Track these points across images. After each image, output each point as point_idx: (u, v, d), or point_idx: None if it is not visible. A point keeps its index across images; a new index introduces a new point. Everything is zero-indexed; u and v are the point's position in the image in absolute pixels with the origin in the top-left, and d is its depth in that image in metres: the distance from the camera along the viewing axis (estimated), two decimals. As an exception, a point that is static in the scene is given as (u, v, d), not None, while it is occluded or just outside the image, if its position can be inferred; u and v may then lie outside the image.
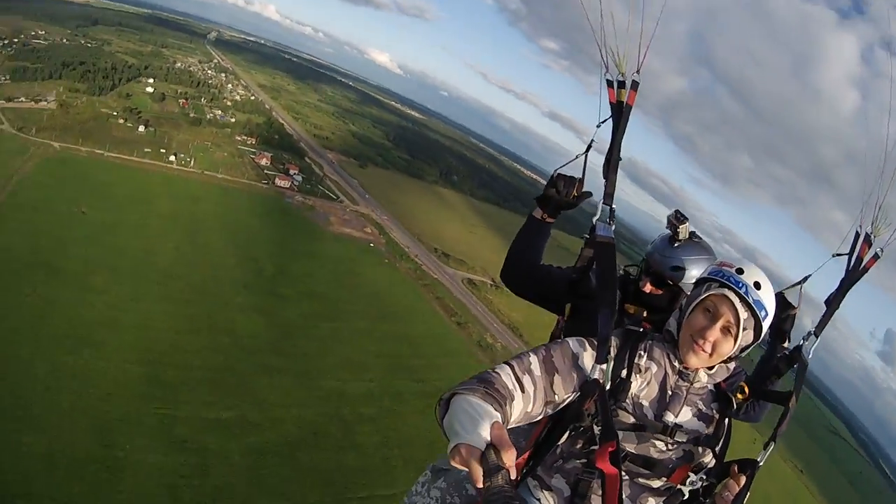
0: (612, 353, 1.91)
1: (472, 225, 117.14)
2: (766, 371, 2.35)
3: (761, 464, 1.97)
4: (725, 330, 1.89)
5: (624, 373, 1.94)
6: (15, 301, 47.19)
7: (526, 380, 1.73)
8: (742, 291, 1.86)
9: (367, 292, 72.17)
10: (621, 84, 2.12)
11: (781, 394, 2.24)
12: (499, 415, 1.42)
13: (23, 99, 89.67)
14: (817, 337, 2.29)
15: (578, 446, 1.97)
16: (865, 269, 2.39)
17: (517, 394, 1.67)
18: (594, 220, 2.20)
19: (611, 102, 2.16)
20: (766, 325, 1.94)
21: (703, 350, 1.91)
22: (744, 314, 1.88)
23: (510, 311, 77.46)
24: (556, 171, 2.55)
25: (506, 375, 1.69)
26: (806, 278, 2.47)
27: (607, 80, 2.14)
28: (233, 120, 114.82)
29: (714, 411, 2.03)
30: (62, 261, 54.90)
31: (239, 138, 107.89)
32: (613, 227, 2.21)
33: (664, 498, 1.99)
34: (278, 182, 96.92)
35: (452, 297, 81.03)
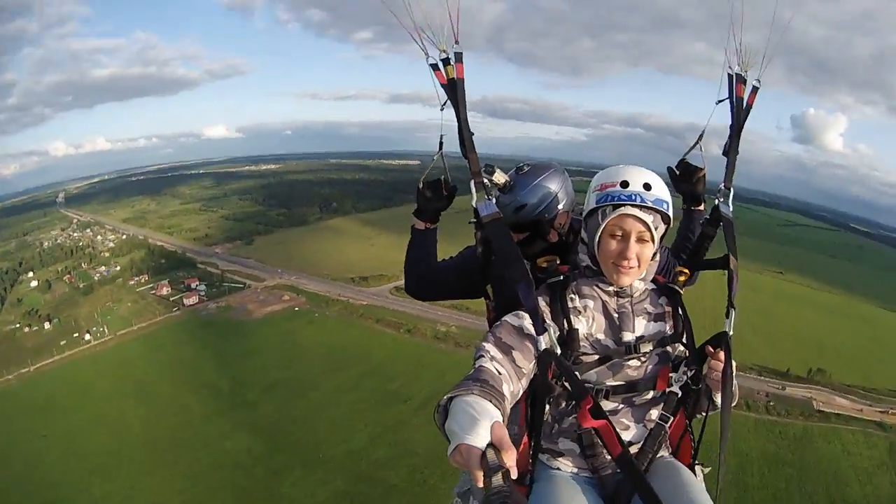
0: (548, 317, 1.91)
1: (369, 238, 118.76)
2: (699, 241, 2.38)
3: (731, 332, 2.04)
4: (640, 240, 1.90)
5: (565, 324, 1.93)
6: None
7: (496, 364, 1.72)
8: (637, 202, 1.87)
9: (316, 353, 72.63)
10: (446, 62, 2.05)
11: (718, 259, 2.24)
12: (498, 412, 1.39)
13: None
14: (730, 189, 2.34)
15: (564, 406, 2.01)
16: (749, 106, 2.43)
17: (502, 379, 1.66)
18: (473, 202, 2.08)
19: (442, 84, 2.08)
20: (670, 211, 1.94)
21: (630, 268, 1.92)
22: (649, 217, 1.88)
23: None
24: (420, 181, 2.52)
25: (488, 364, 1.70)
26: (700, 136, 2.50)
27: (431, 66, 2.06)
28: (118, 268, 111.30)
29: (664, 307, 2.07)
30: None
31: (132, 282, 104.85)
32: (495, 199, 2.17)
33: (662, 404, 2.02)
34: (187, 301, 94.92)
35: (390, 311, 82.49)
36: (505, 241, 1.98)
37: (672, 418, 2.03)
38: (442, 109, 2.13)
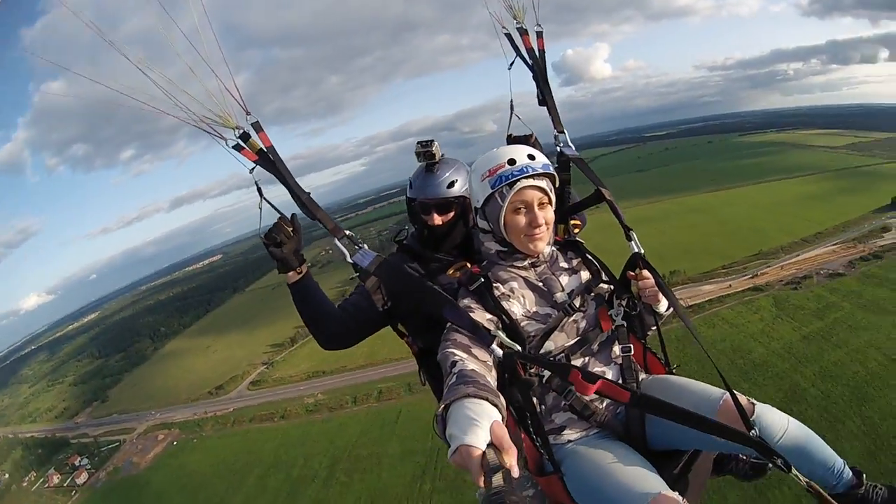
0: (492, 327, 1.91)
1: (207, 347, 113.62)
2: (559, 190, 2.34)
3: (641, 251, 2.15)
4: (541, 205, 2.02)
5: (504, 317, 1.97)
6: None
7: (470, 363, 1.72)
8: (530, 172, 1.97)
9: (213, 475, 65.76)
10: (245, 137, 2.07)
11: (591, 197, 2.38)
12: (496, 411, 1.38)
13: None
14: (563, 132, 2.49)
15: (541, 387, 2.03)
16: (542, 51, 2.56)
17: (485, 375, 1.65)
18: (348, 259, 2.11)
19: (255, 161, 2.08)
20: (553, 171, 2.07)
21: (541, 234, 2.03)
22: (543, 182, 2.01)
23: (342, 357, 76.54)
24: (260, 235, 2.29)
25: (465, 365, 1.67)
26: (512, 107, 2.67)
27: (235, 147, 2.06)
28: (6, 476, 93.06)
29: (573, 259, 2.22)
30: None
31: (25, 483, 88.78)
32: (365, 246, 2.16)
33: (616, 340, 2.14)
34: (79, 481, 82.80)
35: (256, 406, 78.78)
36: (404, 277, 2.03)
37: (631, 346, 2.15)
38: (251, 172, 2.10)
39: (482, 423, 1.26)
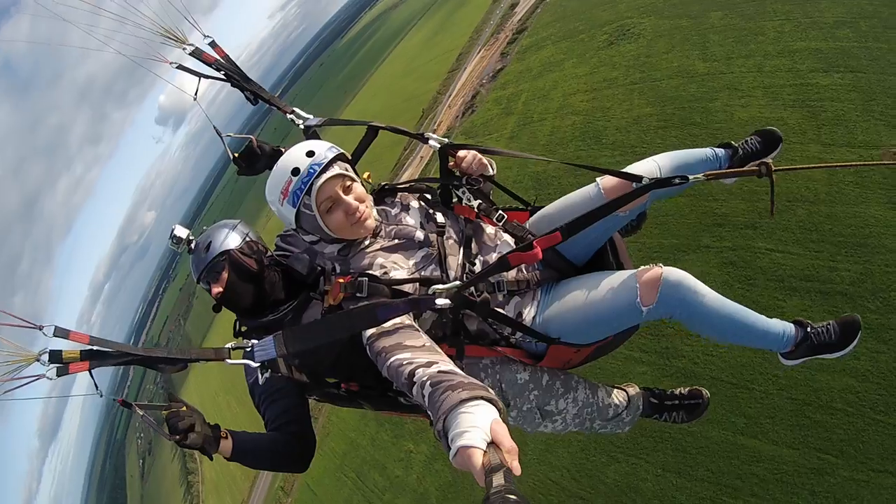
0: (417, 290, 1.92)
1: None
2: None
3: (445, 140, 2.16)
4: (347, 189, 1.91)
5: (396, 287, 1.90)
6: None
7: (431, 364, 1.53)
8: (318, 170, 1.85)
9: None
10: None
11: (367, 136, 2.33)
12: (493, 408, 1.30)
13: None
14: (293, 109, 2.47)
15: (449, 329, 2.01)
16: (227, 56, 2.48)
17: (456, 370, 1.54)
18: (254, 365, 1.70)
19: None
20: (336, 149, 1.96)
21: (362, 213, 1.93)
22: (335, 168, 1.88)
23: None
24: (171, 438, 1.83)
25: (429, 365, 1.51)
26: (219, 132, 2.49)
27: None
28: None
29: (394, 200, 2.21)
30: None
31: None
32: (252, 340, 1.76)
33: (486, 216, 2.20)
34: None
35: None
36: (311, 332, 1.74)
37: (503, 214, 2.20)
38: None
39: (481, 423, 1.22)
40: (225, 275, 2.20)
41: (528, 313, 2.11)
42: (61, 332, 1.63)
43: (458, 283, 1.89)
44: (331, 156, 1.90)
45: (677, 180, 1.97)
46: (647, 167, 2.14)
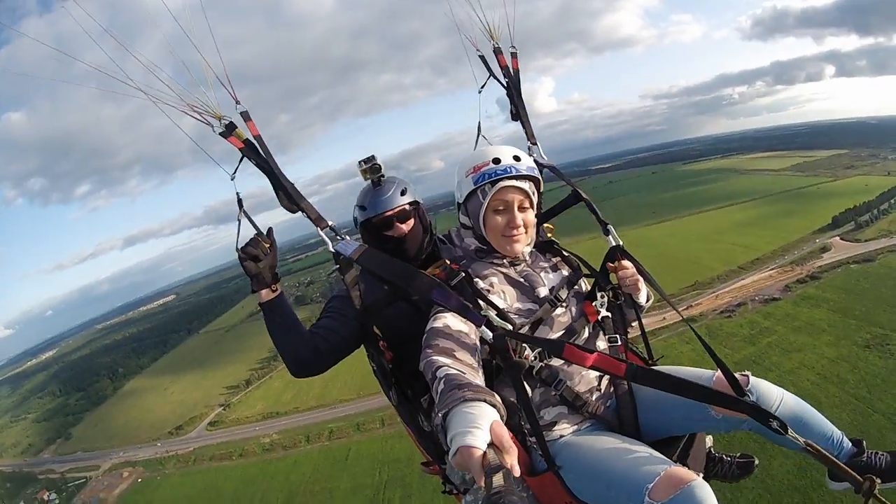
0: (482, 305, 1.92)
1: (165, 388, 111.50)
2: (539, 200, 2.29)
3: (620, 242, 2.21)
4: (522, 208, 2.02)
5: (490, 307, 1.95)
6: None
7: (458, 367, 1.65)
8: (513, 173, 1.97)
9: None
10: (231, 127, 2.09)
11: (568, 198, 2.48)
12: (495, 411, 1.34)
13: None
14: (536, 143, 2.60)
15: (534, 379, 1.99)
16: (517, 70, 2.68)
17: (475, 376, 1.63)
18: (330, 248, 2.11)
19: (241, 150, 2.10)
20: (540, 176, 2.11)
21: (519, 235, 2.02)
22: (526, 185, 2.00)
23: (303, 397, 78.62)
24: (237, 250, 2.17)
25: (452, 369, 1.60)
26: (479, 129, 2.80)
27: (221, 134, 2.07)
28: None
29: (552, 257, 2.25)
30: None
31: None
32: (346, 236, 2.16)
33: (602, 331, 2.15)
34: None
35: (215, 446, 78.57)
36: (388, 262, 2.04)
37: (618, 337, 2.15)
38: (233, 179, 2.14)
39: (482, 424, 1.26)
40: (412, 221, 2.44)
41: (561, 429, 1.99)
42: (246, 116, 2.04)
43: (509, 327, 1.85)
44: (531, 173, 2.00)
45: (775, 424, 1.67)
46: (771, 392, 1.91)
